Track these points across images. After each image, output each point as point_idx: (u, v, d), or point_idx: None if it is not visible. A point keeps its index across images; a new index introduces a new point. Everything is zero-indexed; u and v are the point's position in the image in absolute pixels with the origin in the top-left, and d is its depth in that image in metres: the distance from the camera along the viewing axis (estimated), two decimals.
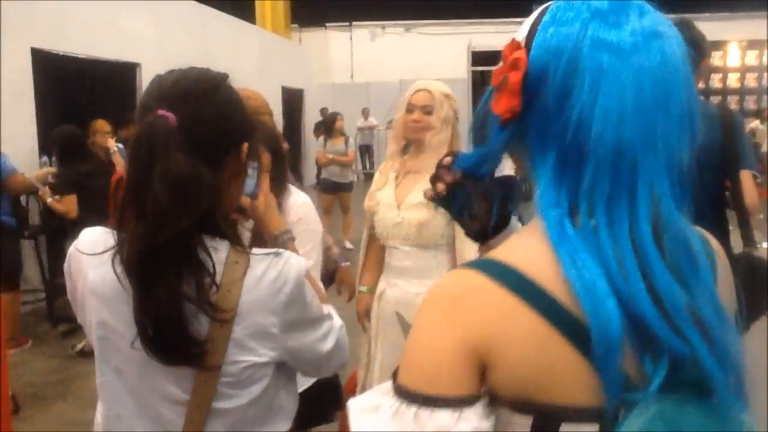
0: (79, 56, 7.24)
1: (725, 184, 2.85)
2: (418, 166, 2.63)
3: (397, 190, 2.73)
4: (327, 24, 19.79)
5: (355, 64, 19.54)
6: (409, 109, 2.66)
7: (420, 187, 2.58)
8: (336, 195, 9.05)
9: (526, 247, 0.83)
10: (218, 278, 1.16)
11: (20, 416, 4.10)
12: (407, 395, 0.77)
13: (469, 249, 2.46)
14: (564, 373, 0.77)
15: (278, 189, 1.93)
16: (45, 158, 6.25)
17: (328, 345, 1.33)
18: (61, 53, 7.00)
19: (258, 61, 12.89)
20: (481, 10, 18.09)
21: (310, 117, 15.66)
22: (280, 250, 1.25)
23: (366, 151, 17.53)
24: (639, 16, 0.82)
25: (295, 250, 1.58)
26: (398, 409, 0.77)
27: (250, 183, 1.51)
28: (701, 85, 8.23)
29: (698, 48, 2.50)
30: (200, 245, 1.14)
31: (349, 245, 8.64)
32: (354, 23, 19.68)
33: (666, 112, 0.79)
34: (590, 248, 0.77)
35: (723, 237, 2.67)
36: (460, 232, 2.47)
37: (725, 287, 0.90)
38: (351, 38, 19.80)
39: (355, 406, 0.81)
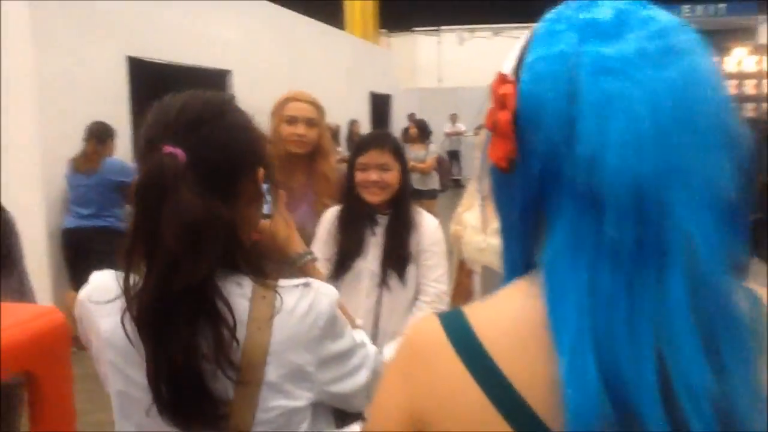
0: (173, 63, 7.41)
1: None
2: None
3: (485, 211, 2.57)
4: (415, 28, 19.75)
5: (442, 68, 19.42)
6: None
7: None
8: (418, 202, 8.92)
9: (508, 304, 0.70)
10: (245, 316, 1.06)
11: None
12: None
13: None
14: None
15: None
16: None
17: (363, 376, 1.22)
18: (155, 61, 7.17)
19: (346, 66, 12.94)
20: None
21: (398, 122, 15.60)
22: (309, 279, 1.16)
23: (453, 157, 17.33)
24: (645, 22, 0.66)
25: (317, 273, 1.50)
26: None
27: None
28: None
29: None
30: (217, 294, 1.04)
31: None
32: (442, 27, 19.56)
33: (694, 136, 0.63)
34: (597, 316, 0.62)
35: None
36: None
37: None
38: (439, 42, 19.70)
39: None
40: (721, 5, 15.90)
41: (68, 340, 1.56)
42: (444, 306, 2.41)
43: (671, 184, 0.62)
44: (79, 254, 5.37)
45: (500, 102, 0.70)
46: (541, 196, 0.68)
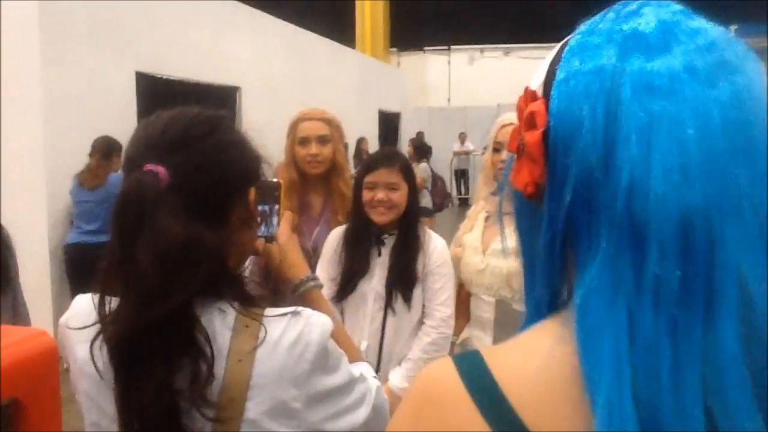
0: (182, 80, 7.40)
1: None
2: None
3: (485, 233, 2.48)
4: (425, 47, 19.78)
5: (452, 87, 19.43)
6: (497, 148, 2.40)
7: (510, 231, 2.32)
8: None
9: (534, 348, 0.62)
10: (225, 348, 0.98)
11: None
12: None
13: None
14: None
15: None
16: None
17: (362, 414, 1.12)
18: (164, 77, 7.16)
19: (356, 84, 12.94)
20: None
21: (407, 141, 15.57)
22: (299, 308, 1.07)
23: (461, 176, 17.30)
24: (692, 34, 0.59)
25: (321, 300, 1.40)
26: None
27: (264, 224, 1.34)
28: None
29: None
30: (196, 325, 0.96)
31: None
32: (452, 47, 19.59)
33: (749, 163, 0.56)
34: (637, 365, 0.54)
35: None
36: None
37: None
38: (449, 62, 19.72)
39: None
40: (732, 27, 15.87)
41: (56, 365, 1.49)
42: (449, 330, 2.33)
43: (722, 216, 0.54)
44: (81, 270, 5.32)
45: (528, 121, 0.63)
46: (572, 226, 0.60)
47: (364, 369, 1.21)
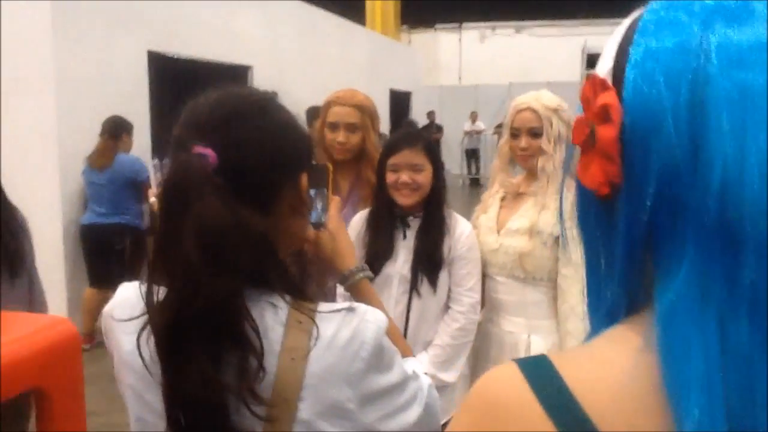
0: (193, 58, 7.32)
1: None
2: (531, 190, 2.32)
3: (500, 212, 2.43)
4: (437, 25, 19.60)
5: (463, 65, 19.27)
6: (514, 133, 2.34)
7: (524, 212, 2.29)
8: None
9: (611, 358, 0.56)
10: (277, 344, 0.93)
11: None
12: None
13: (576, 290, 2.15)
14: None
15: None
16: (156, 160, 6.33)
17: (414, 413, 1.06)
18: (175, 56, 7.09)
19: (367, 62, 12.83)
20: (597, 9, 17.40)
21: (418, 120, 15.47)
22: (354, 304, 1.02)
23: (472, 155, 17.21)
24: None
25: (371, 293, 1.34)
26: None
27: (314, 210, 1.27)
28: None
29: None
30: (245, 316, 0.91)
31: None
32: (464, 24, 19.39)
33: None
34: (730, 380, 0.49)
35: None
36: (565, 268, 2.18)
37: None
38: (460, 39, 19.54)
39: None
40: None
41: (80, 353, 1.44)
42: (477, 316, 2.28)
43: None
44: (95, 251, 5.31)
45: (601, 114, 0.56)
46: (653, 228, 0.54)
47: (415, 366, 1.15)
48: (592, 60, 16.49)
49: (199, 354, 0.88)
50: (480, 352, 2.41)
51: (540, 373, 0.56)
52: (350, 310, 0.99)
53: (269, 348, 0.92)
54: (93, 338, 5.24)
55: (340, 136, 2.56)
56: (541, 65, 17.28)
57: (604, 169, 0.56)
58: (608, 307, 0.60)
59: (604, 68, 0.59)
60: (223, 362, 0.89)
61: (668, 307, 0.52)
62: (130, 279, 1.08)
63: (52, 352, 1.38)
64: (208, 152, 0.92)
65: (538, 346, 2.24)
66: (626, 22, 0.59)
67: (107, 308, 1.06)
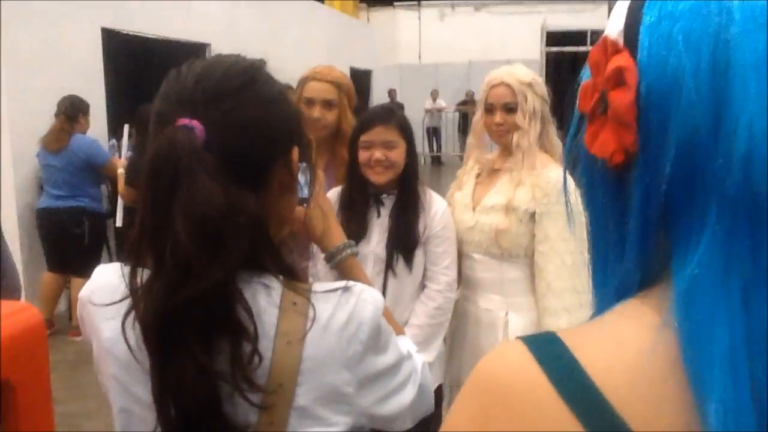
0: (149, 36, 7.13)
1: None
2: (506, 166, 2.29)
3: (476, 189, 2.39)
4: (395, 3, 19.46)
5: (423, 44, 19.18)
6: (488, 108, 2.29)
7: (499, 188, 2.26)
8: None
9: (625, 335, 0.53)
10: (272, 328, 0.89)
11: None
12: None
13: (552, 266, 2.12)
14: None
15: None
16: (113, 141, 6.16)
17: (409, 394, 1.03)
18: (131, 33, 6.90)
19: (326, 41, 12.69)
20: None
21: (378, 99, 15.39)
22: (349, 282, 0.97)
23: (434, 133, 17.22)
24: None
25: (359, 269, 1.30)
26: None
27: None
28: None
29: None
30: (239, 300, 0.87)
31: None
32: (423, 2, 19.28)
33: None
34: (756, 360, 0.46)
35: None
36: (541, 244, 2.15)
37: None
38: (419, 18, 19.42)
39: None
40: None
41: (45, 342, 1.36)
42: (454, 294, 2.25)
43: None
44: (53, 235, 5.17)
45: (615, 78, 0.52)
46: (670, 199, 0.51)
47: (408, 344, 1.12)
48: (551, 38, 16.57)
49: (191, 341, 0.83)
50: (457, 331, 2.39)
51: (550, 352, 0.53)
52: (346, 289, 0.95)
53: (263, 332, 0.87)
54: (53, 324, 5.11)
55: (316, 112, 2.50)
56: (501, 43, 17.26)
57: (618, 137, 0.52)
58: (619, 282, 0.57)
59: (614, 30, 0.55)
60: (215, 349, 0.84)
61: (689, 281, 0.49)
62: (89, 264, 1.01)
63: (17, 341, 1.30)
64: (195, 124, 0.86)
65: (516, 324, 2.22)
66: None
67: (84, 292, 1.00)
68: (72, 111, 5.23)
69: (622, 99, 0.51)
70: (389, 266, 2.19)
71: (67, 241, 5.11)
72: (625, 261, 0.56)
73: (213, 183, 0.83)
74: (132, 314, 0.87)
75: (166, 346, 0.84)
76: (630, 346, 0.51)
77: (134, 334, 0.87)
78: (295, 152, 1.00)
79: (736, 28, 0.47)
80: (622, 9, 0.55)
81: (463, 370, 2.35)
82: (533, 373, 0.51)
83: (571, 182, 0.64)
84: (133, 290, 0.87)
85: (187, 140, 0.84)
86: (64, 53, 5.84)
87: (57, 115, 5.22)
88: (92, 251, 5.20)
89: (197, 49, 8.18)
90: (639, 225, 0.53)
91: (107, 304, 0.92)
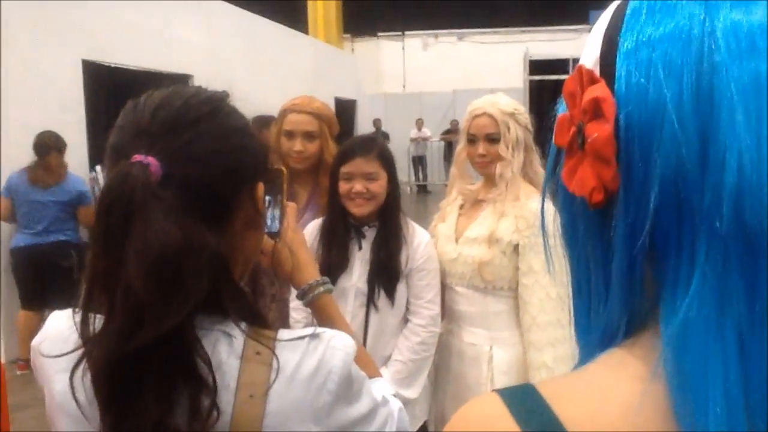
0: (130, 68, 7.11)
1: None
2: (490, 197, 2.25)
3: (459, 220, 2.35)
4: (379, 33, 19.63)
5: (407, 73, 19.34)
6: (471, 139, 2.26)
7: (483, 219, 2.22)
8: None
9: (609, 388, 0.49)
10: (233, 380, 0.83)
11: None
12: None
13: (537, 299, 2.08)
14: None
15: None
16: (94, 173, 6.08)
17: None
18: (112, 65, 6.87)
19: (310, 71, 12.74)
20: (537, 16, 17.72)
21: (363, 128, 15.42)
22: (318, 329, 0.92)
23: (419, 162, 17.27)
24: None
25: (332, 306, 1.23)
26: None
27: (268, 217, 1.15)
28: None
29: None
30: (197, 349, 0.80)
31: None
32: (406, 32, 19.47)
33: None
34: (756, 415, 0.43)
35: None
36: (525, 277, 2.11)
37: None
38: (403, 48, 19.60)
39: None
40: None
41: (3, 389, 1.28)
42: (437, 329, 2.19)
43: None
44: (37, 272, 5.08)
45: (592, 110, 0.48)
46: (655, 237, 0.47)
47: (384, 389, 1.06)
48: (534, 66, 16.75)
49: (145, 393, 0.77)
50: (441, 366, 2.33)
51: (527, 406, 0.49)
52: (314, 336, 0.89)
53: (224, 384, 0.81)
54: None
55: (297, 145, 2.48)
56: (485, 72, 17.44)
57: (597, 173, 0.48)
58: (602, 329, 0.53)
59: (589, 59, 0.51)
60: (172, 401, 0.78)
61: (679, 327, 0.45)
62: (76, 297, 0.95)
63: None
64: (150, 160, 0.81)
65: (500, 358, 2.16)
66: (611, 7, 0.52)
67: (35, 342, 0.94)
68: (61, 146, 5.18)
69: (599, 132, 0.47)
70: (371, 300, 2.14)
71: (56, 276, 5.01)
72: (608, 305, 0.52)
73: (168, 220, 0.78)
74: (84, 366, 0.81)
75: (118, 399, 0.78)
76: (615, 399, 0.48)
77: (85, 387, 0.81)
78: (260, 187, 0.95)
79: (720, 56, 0.44)
80: (597, 37, 0.52)
81: (447, 405, 2.29)
82: (507, 428, 0.48)
83: (551, 212, 0.59)
84: (85, 339, 0.81)
85: (141, 176, 0.79)
86: (44, 85, 5.79)
87: (48, 150, 5.11)
88: (80, 284, 5.09)
89: (179, 81, 8.16)
90: (623, 267, 0.49)
91: (58, 355, 0.85)
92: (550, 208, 0.60)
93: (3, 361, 3.02)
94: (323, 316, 1.19)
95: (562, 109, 0.54)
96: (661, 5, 0.48)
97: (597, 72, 0.50)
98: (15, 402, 4.14)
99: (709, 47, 0.44)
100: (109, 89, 6.79)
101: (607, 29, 0.51)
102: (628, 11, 0.50)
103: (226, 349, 0.84)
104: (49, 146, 5.13)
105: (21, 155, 5.15)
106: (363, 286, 2.14)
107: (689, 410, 0.44)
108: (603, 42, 0.51)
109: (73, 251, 5.09)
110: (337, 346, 0.89)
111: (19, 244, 5.08)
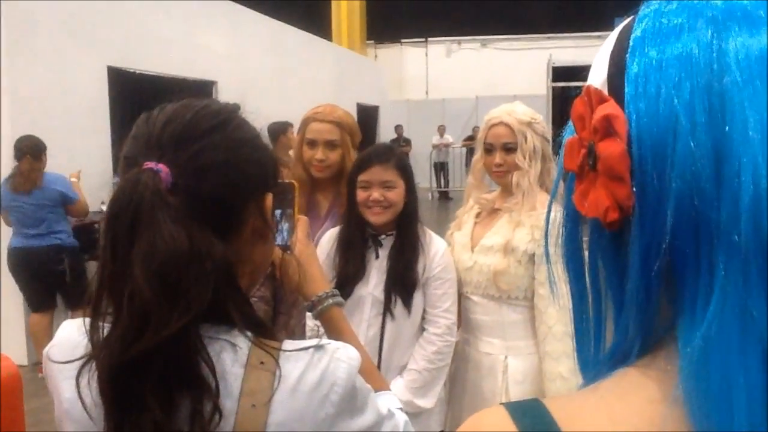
0: (155, 74, 7.19)
1: None
2: (506, 206, 2.24)
3: (475, 228, 2.34)
4: (402, 40, 19.67)
5: (430, 80, 19.34)
6: (488, 148, 2.25)
7: (498, 228, 2.21)
8: None
9: (623, 408, 0.48)
10: (236, 388, 0.84)
11: None
12: None
13: (553, 310, 2.06)
14: None
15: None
16: (117, 179, 6.14)
17: None
18: (137, 71, 6.95)
19: (333, 77, 12.79)
20: (561, 23, 17.63)
21: (385, 134, 15.45)
22: (323, 341, 0.92)
23: (441, 168, 17.22)
24: None
25: (341, 319, 1.23)
26: None
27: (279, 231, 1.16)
28: None
29: None
30: (201, 355, 0.81)
31: None
32: (430, 39, 19.47)
33: None
34: None
35: None
36: (541, 287, 2.09)
37: None
38: (426, 54, 19.61)
39: None
40: None
41: (20, 392, 1.30)
42: (454, 338, 2.18)
43: None
44: (32, 275, 5.11)
45: (603, 129, 0.48)
46: (672, 255, 0.46)
47: (390, 402, 1.06)
48: (557, 73, 16.65)
49: (148, 396, 0.78)
50: (456, 375, 2.32)
51: (533, 422, 0.49)
52: (319, 348, 0.89)
53: (227, 391, 0.82)
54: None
55: (319, 154, 2.47)
56: (508, 79, 17.39)
57: (611, 192, 0.48)
58: (615, 347, 0.52)
59: (598, 79, 0.52)
60: (174, 405, 0.79)
61: (699, 347, 0.44)
62: (78, 297, 0.96)
63: None
64: (161, 167, 0.82)
65: (515, 368, 2.15)
66: (618, 27, 0.52)
67: (46, 349, 0.95)
68: (36, 151, 5.09)
69: (612, 149, 0.47)
70: (387, 309, 2.13)
71: (50, 280, 5.08)
72: (621, 326, 0.51)
73: (175, 226, 0.79)
74: (89, 370, 0.82)
75: (122, 402, 0.79)
76: (627, 423, 0.47)
77: (91, 392, 0.82)
78: (269, 198, 0.96)
79: (731, 75, 0.44)
80: (604, 58, 0.52)
81: (463, 416, 2.27)
82: None
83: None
84: (94, 345, 0.82)
85: (151, 182, 0.81)
86: (70, 92, 5.87)
87: (22, 156, 5.06)
88: (75, 286, 5.11)
89: (204, 87, 8.24)
90: (640, 286, 0.48)
91: (66, 362, 0.87)
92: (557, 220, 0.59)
93: (25, 363, 3.07)
94: (332, 328, 1.19)
95: (569, 133, 0.54)
96: (667, 30, 0.48)
97: (605, 92, 0.50)
98: (38, 405, 4.22)
99: (720, 68, 0.45)
100: (134, 96, 6.86)
101: (614, 50, 0.51)
102: (636, 33, 0.50)
103: (230, 357, 0.85)
104: (22, 151, 5.07)
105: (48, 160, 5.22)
106: (380, 294, 2.14)
107: None
108: (610, 63, 0.51)
109: (65, 256, 5.12)
110: (341, 358, 0.89)
111: (15, 245, 5.12)
